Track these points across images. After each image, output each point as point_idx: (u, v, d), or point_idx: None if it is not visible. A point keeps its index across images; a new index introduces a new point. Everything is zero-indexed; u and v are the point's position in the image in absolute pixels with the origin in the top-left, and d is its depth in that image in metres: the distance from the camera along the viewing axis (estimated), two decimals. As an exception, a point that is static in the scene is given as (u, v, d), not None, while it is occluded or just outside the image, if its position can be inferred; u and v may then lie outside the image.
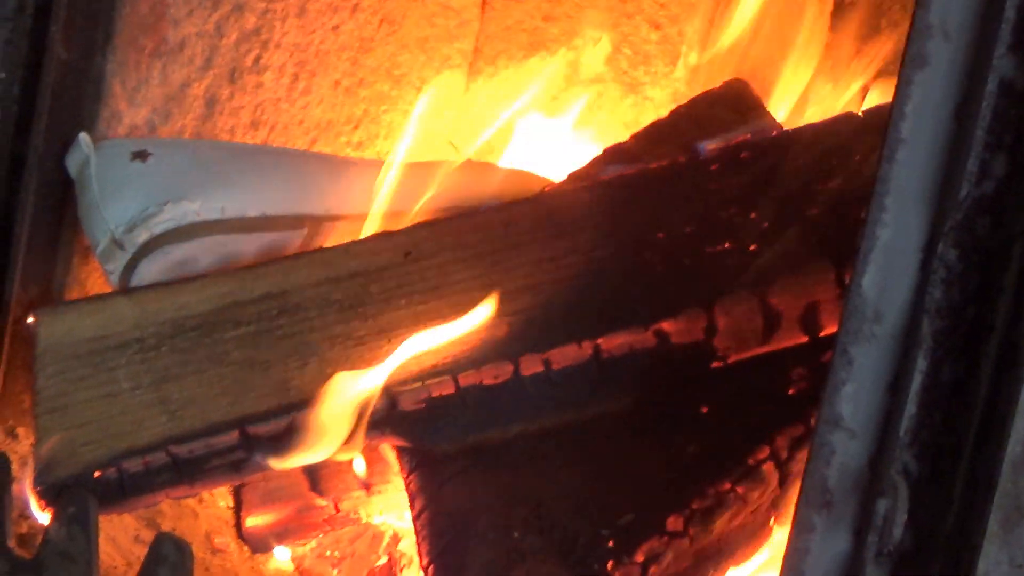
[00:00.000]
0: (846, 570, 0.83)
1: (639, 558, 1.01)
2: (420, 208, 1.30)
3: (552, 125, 1.59)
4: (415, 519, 1.07)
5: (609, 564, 1.01)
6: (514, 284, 1.16)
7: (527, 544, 1.03)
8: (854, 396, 0.82)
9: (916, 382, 0.81)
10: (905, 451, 0.81)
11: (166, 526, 1.29)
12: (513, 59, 1.65)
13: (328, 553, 1.25)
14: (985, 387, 0.80)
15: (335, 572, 1.24)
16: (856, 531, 0.82)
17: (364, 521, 1.24)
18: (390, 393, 1.08)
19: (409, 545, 1.21)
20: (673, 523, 1.03)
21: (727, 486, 1.04)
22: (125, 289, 1.22)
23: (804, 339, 1.12)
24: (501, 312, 1.13)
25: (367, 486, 1.21)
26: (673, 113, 1.38)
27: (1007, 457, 0.78)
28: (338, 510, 1.24)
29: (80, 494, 1.03)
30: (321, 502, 1.23)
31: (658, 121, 1.37)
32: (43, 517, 1.08)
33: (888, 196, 0.82)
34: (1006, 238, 0.80)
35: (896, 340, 0.82)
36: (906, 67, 0.81)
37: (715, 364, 1.11)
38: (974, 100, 0.80)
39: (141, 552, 1.08)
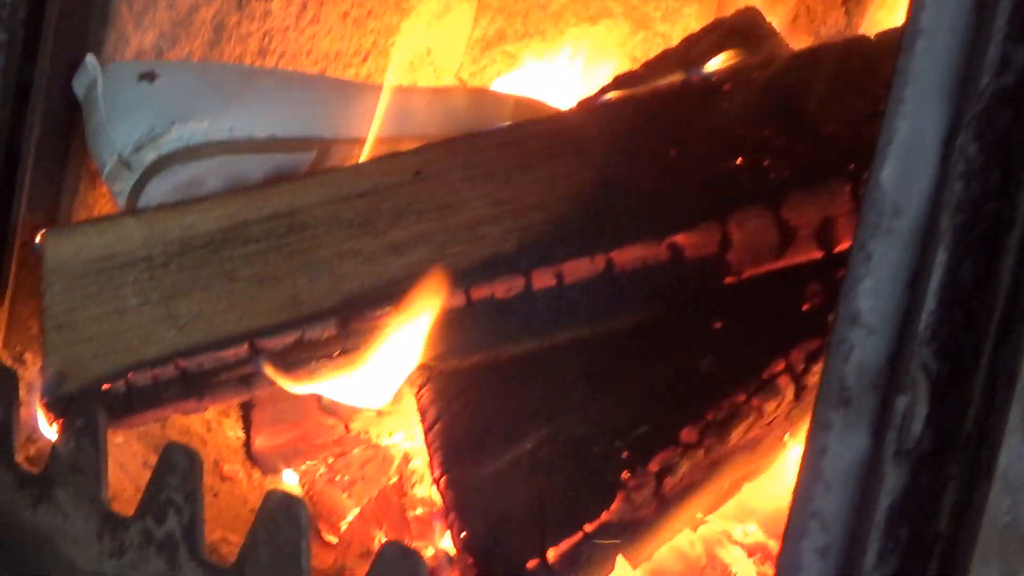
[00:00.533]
0: (865, 469, 0.81)
1: (653, 468, 1.00)
2: (430, 132, 1.28)
3: (560, 60, 1.58)
4: (426, 432, 1.06)
5: (624, 474, 0.99)
6: (525, 201, 1.14)
7: (541, 455, 1.02)
8: (873, 292, 0.81)
9: (936, 278, 0.79)
10: (925, 348, 0.80)
11: (174, 452, 1.28)
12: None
13: (338, 478, 1.24)
14: (1006, 283, 0.79)
15: (345, 496, 1.22)
16: (875, 429, 0.81)
17: (374, 442, 1.23)
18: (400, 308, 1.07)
19: (420, 464, 1.20)
20: (687, 434, 1.01)
21: (742, 398, 1.03)
22: (133, 209, 1.22)
23: (819, 254, 1.10)
24: (512, 227, 1.12)
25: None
26: (684, 41, 1.37)
27: (1028, 350, 0.77)
28: (348, 431, 1.23)
29: (89, 406, 1.02)
30: (331, 422, 1.23)
31: (669, 49, 1.36)
32: (51, 432, 1.07)
33: (907, 87, 0.80)
34: (1028, 132, 0.78)
35: (916, 235, 0.81)
36: (926, -42, 0.80)
37: (729, 279, 1.10)
38: (995, -11, 0.79)
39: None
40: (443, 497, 1.02)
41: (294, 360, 1.06)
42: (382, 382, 1.06)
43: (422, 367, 1.07)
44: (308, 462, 1.24)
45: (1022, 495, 0.77)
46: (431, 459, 1.05)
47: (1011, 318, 0.79)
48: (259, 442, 1.24)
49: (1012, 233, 0.79)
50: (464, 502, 1.00)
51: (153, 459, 1.21)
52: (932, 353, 0.80)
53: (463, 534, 0.99)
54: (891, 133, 0.81)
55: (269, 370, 1.05)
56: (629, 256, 1.08)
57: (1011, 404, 0.78)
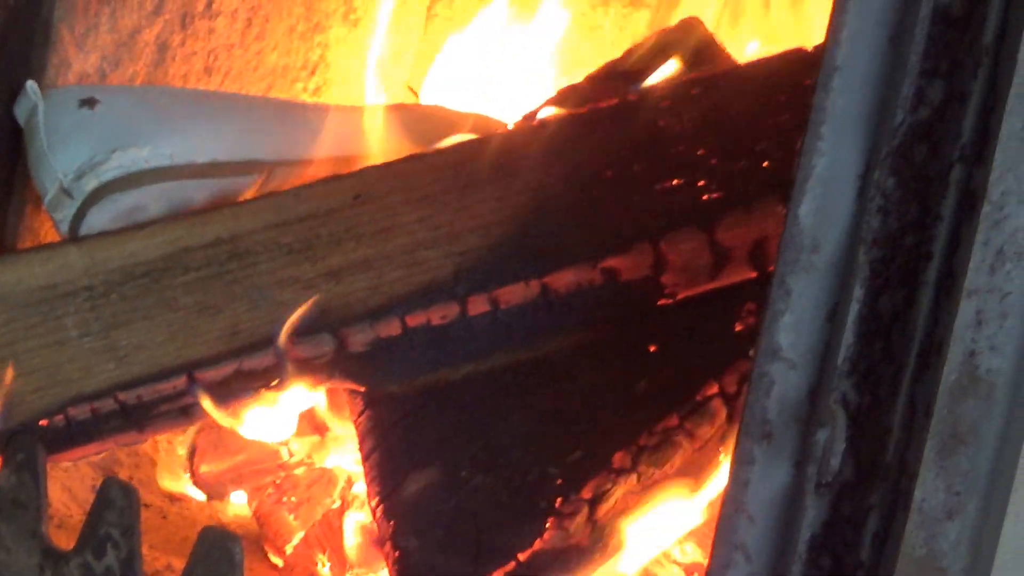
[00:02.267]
0: (787, 501, 0.83)
1: (587, 495, 1.01)
2: (372, 152, 1.29)
3: (506, 71, 1.59)
4: (364, 460, 1.07)
5: (557, 501, 1.01)
6: (462, 225, 1.15)
7: (476, 482, 1.03)
8: (793, 326, 0.82)
9: (854, 312, 0.81)
10: (844, 380, 0.81)
11: (123, 475, 1.30)
12: (470, 2, 1.64)
13: (285, 499, 1.25)
14: (923, 315, 0.80)
15: (291, 516, 1.24)
16: (796, 462, 0.82)
17: (318, 466, 1.25)
18: (338, 335, 1.08)
19: (362, 488, 1.21)
20: (621, 460, 1.02)
21: (675, 422, 1.04)
22: (74, 237, 1.22)
23: (753, 274, 1.11)
24: (449, 252, 1.13)
25: (321, 430, 1.21)
26: (627, 52, 1.37)
27: (943, 385, 0.78)
28: (291, 454, 1.24)
29: (28, 441, 1.03)
30: (274, 447, 1.23)
31: (612, 61, 1.37)
32: (-9, 466, 1.08)
33: (824, 124, 0.81)
34: (943, 165, 0.79)
35: (834, 269, 0.82)
36: (841, -6, 0.81)
37: (664, 301, 1.11)
38: (909, 26, 0.79)
39: (98, 501, 1.08)
40: (379, 525, 1.03)
41: (233, 390, 1.08)
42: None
43: (360, 394, 1.08)
44: (253, 486, 1.25)
45: (938, 528, 0.79)
46: (368, 486, 1.06)
47: (929, 350, 0.80)
48: (203, 469, 1.25)
49: (930, 265, 0.81)
50: (400, 530, 1.02)
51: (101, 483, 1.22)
52: (851, 385, 0.81)
53: (398, 564, 1.00)
54: (809, 169, 0.82)
55: (206, 403, 1.06)
56: (563, 281, 1.09)
57: (928, 438, 0.79)
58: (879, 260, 0.80)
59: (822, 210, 0.81)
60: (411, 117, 1.34)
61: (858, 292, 0.81)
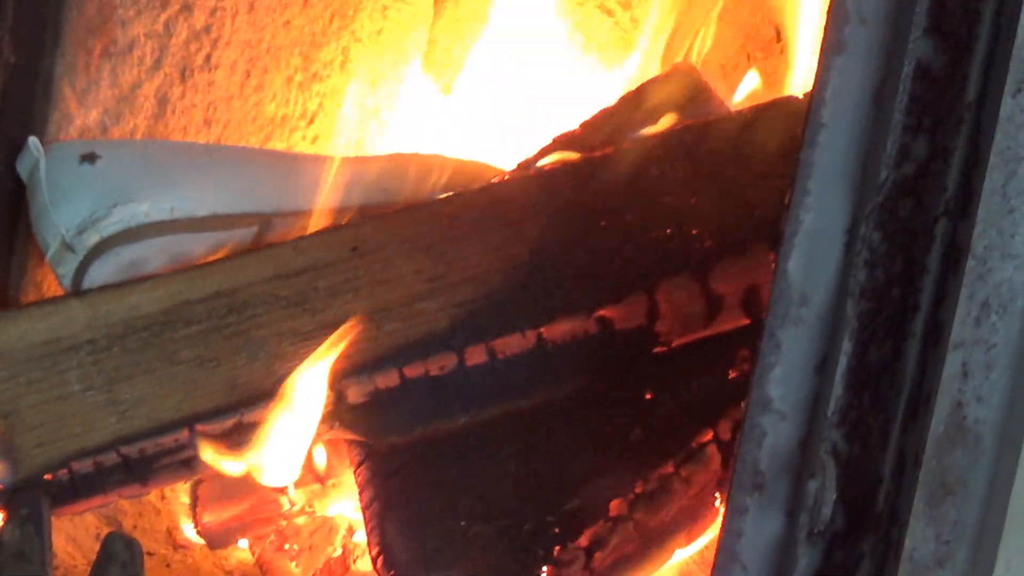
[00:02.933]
0: (780, 550, 0.84)
1: (583, 543, 1.02)
2: (370, 202, 1.31)
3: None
4: (364, 510, 1.08)
5: (555, 550, 1.02)
6: (459, 276, 1.17)
7: (473, 532, 1.04)
8: (783, 379, 0.83)
9: (843, 363, 0.82)
10: (834, 431, 0.82)
11: (127, 524, 1.31)
12: (467, 50, 1.66)
13: (287, 546, 1.26)
14: (911, 367, 0.82)
15: (293, 564, 1.25)
16: (788, 512, 0.84)
17: (319, 514, 1.26)
18: (337, 386, 1.10)
19: (363, 536, 1.22)
20: (617, 507, 1.04)
21: (671, 469, 1.06)
22: (77, 292, 1.23)
23: (746, 322, 1.13)
24: (446, 303, 1.15)
25: (322, 479, 1.22)
26: (621, 100, 1.39)
27: (931, 435, 0.79)
28: (292, 503, 1.25)
29: (33, 496, 1.05)
30: (276, 495, 1.25)
31: (606, 109, 1.38)
32: (-4, 520, 1.09)
33: (811, 180, 0.83)
34: (929, 219, 0.81)
35: (823, 322, 0.83)
36: (825, 53, 0.83)
37: (658, 349, 1.12)
38: (892, 84, 0.81)
39: (102, 551, 1.09)
40: (379, 574, 1.04)
41: (234, 442, 1.09)
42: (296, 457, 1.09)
43: (359, 444, 1.10)
44: (256, 535, 1.26)
45: (928, 577, 0.80)
46: (368, 537, 1.07)
47: (917, 400, 0.81)
48: (207, 519, 1.26)
49: (917, 317, 0.82)
50: (400, 580, 1.03)
51: (105, 532, 1.24)
52: (841, 436, 0.83)
53: (399, 614, 1.02)
54: (796, 224, 0.84)
55: (207, 455, 1.07)
56: (559, 331, 1.11)
57: (917, 487, 0.80)
58: (867, 313, 0.82)
59: (810, 264, 0.83)
60: (409, 167, 1.35)
61: (846, 344, 0.82)
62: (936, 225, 0.81)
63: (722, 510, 1.08)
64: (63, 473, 1.08)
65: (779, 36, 1.50)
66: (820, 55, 0.82)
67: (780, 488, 0.84)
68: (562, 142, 1.35)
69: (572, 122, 1.39)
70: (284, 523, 1.26)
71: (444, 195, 1.27)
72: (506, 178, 1.30)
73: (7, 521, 1.06)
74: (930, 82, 0.81)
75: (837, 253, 0.83)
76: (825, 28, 0.82)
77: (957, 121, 0.80)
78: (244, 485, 1.25)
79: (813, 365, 0.83)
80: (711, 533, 1.08)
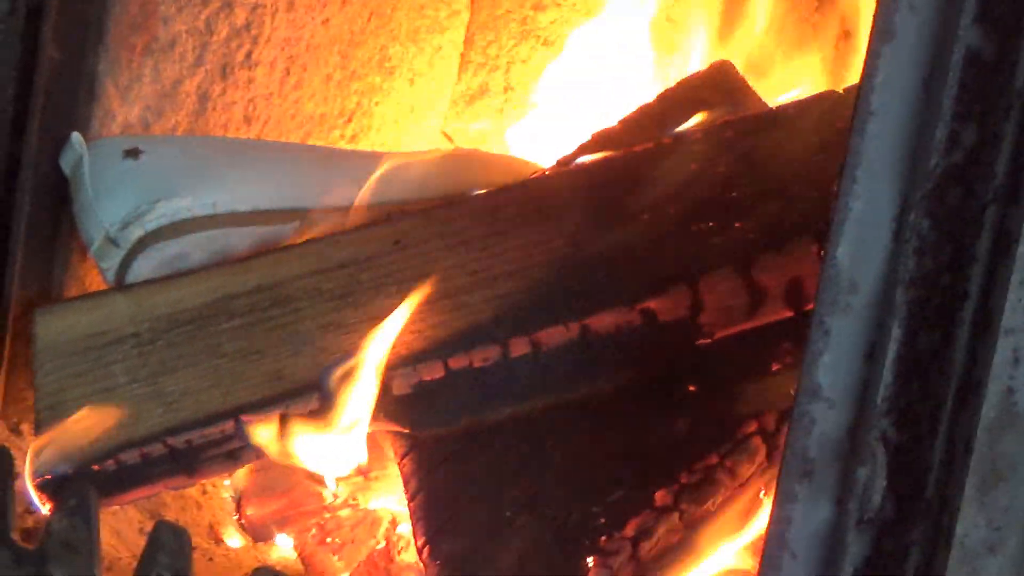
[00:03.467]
0: (829, 538, 0.84)
1: (629, 533, 1.02)
2: (411, 198, 1.31)
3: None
4: (410, 501, 1.09)
5: (600, 540, 1.02)
6: (501, 269, 1.17)
7: (519, 522, 1.05)
8: (832, 366, 0.83)
9: (892, 351, 0.82)
10: (883, 419, 0.82)
11: (169, 517, 1.31)
12: (503, 48, 1.66)
13: (329, 540, 1.26)
14: (961, 354, 0.82)
15: (336, 558, 1.25)
16: (838, 499, 0.84)
17: (362, 507, 1.26)
18: (382, 378, 1.10)
19: (407, 529, 1.22)
20: (662, 498, 1.04)
21: (715, 460, 1.06)
22: (120, 286, 1.25)
23: (789, 313, 1.13)
24: (489, 296, 1.15)
25: (364, 472, 1.22)
26: (660, 97, 1.39)
27: (982, 422, 0.79)
28: (335, 496, 1.26)
29: (80, 486, 1.05)
30: (318, 489, 1.25)
31: (645, 105, 1.39)
32: (44, 510, 1.10)
33: (859, 168, 0.83)
34: (978, 207, 0.81)
35: (872, 310, 0.83)
36: (874, 40, 0.82)
37: (701, 341, 1.13)
38: (942, 71, 0.81)
39: (145, 544, 1.10)
40: (426, 566, 1.04)
41: (279, 433, 1.09)
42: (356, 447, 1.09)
43: (403, 436, 1.10)
44: (298, 529, 1.27)
45: (979, 563, 0.80)
46: (414, 528, 1.07)
47: (967, 388, 0.81)
48: (249, 511, 1.27)
49: (966, 305, 0.82)
50: (446, 570, 1.03)
51: (148, 526, 1.24)
52: (891, 424, 0.83)
53: (445, 603, 1.02)
54: (845, 212, 0.84)
55: (259, 437, 1.08)
56: (602, 322, 1.11)
57: (968, 473, 0.80)
58: (916, 300, 0.82)
59: (859, 252, 0.83)
60: (448, 163, 1.36)
61: (896, 332, 0.82)
62: (985, 212, 0.81)
63: (767, 501, 1.08)
64: (110, 464, 1.09)
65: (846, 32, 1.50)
66: (869, 42, 0.82)
67: (829, 476, 0.84)
68: (601, 139, 1.36)
69: (611, 120, 1.40)
70: (327, 516, 1.26)
71: (485, 191, 1.28)
72: (546, 174, 1.30)
73: (55, 511, 1.06)
74: (980, 69, 0.81)
75: (886, 241, 0.83)
76: (874, 15, 0.82)
77: (1006, 108, 0.80)
78: (287, 479, 1.26)
79: (862, 353, 0.83)
80: (756, 524, 1.08)
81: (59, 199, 1.31)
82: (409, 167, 1.34)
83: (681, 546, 1.04)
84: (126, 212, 1.25)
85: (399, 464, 1.11)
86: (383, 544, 1.23)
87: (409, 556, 1.20)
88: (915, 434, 0.82)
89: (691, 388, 1.11)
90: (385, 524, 1.25)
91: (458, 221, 1.23)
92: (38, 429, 1.12)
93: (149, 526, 1.26)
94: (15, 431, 1.33)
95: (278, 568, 1.06)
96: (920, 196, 0.82)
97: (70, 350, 1.19)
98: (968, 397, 0.81)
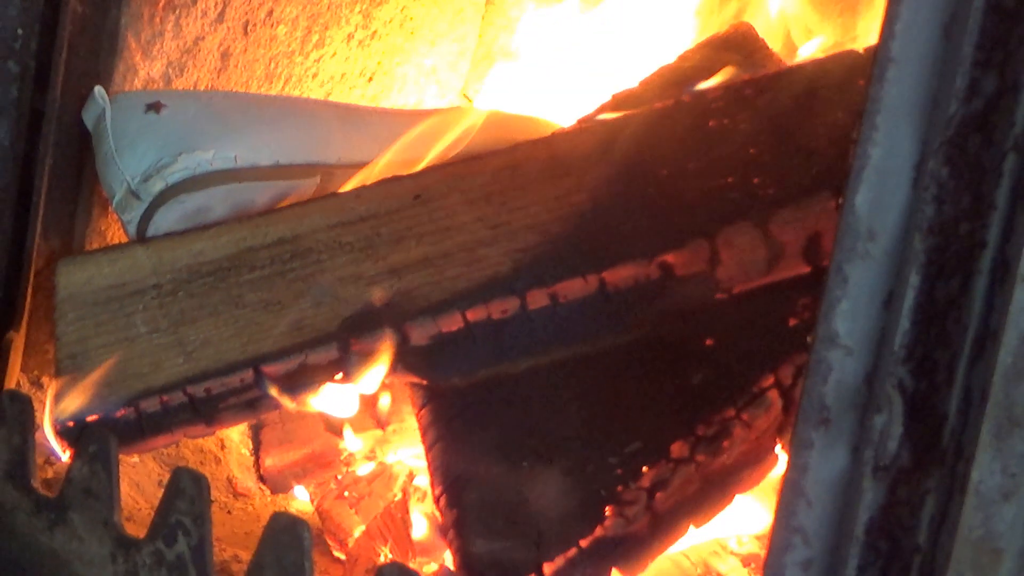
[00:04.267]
0: (845, 485, 0.84)
1: (645, 483, 1.03)
2: (431, 155, 1.31)
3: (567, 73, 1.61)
4: (427, 451, 1.09)
5: (617, 490, 1.02)
6: (520, 223, 1.17)
7: (536, 473, 1.05)
8: (850, 313, 0.83)
9: (910, 298, 0.82)
10: (900, 366, 0.82)
11: (189, 470, 1.32)
12: (524, 11, 1.66)
13: (347, 494, 1.27)
14: (978, 302, 0.82)
15: (353, 511, 1.26)
16: (854, 447, 0.84)
17: (379, 460, 1.27)
18: (401, 329, 1.10)
19: (424, 481, 1.23)
20: (679, 449, 1.04)
21: (732, 413, 1.06)
22: (142, 238, 1.25)
23: (807, 269, 1.13)
24: (508, 249, 1.15)
25: (383, 425, 1.23)
26: (680, 58, 1.39)
27: (998, 369, 0.79)
28: (354, 449, 1.26)
29: (100, 433, 1.06)
30: (337, 441, 1.26)
31: (665, 66, 1.39)
32: (64, 457, 1.11)
33: (879, 115, 0.83)
34: (997, 155, 0.81)
35: (890, 257, 0.83)
36: (894, -12, 0.83)
37: (719, 295, 1.12)
38: (963, 18, 0.81)
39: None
40: (442, 515, 1.05)
41: (298, 383, 1.10)
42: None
43: (422, 387, 1.11)
44: (317, 480, 1.28)
45: (994, 509, 0.80)
46: (431, 478, 1.08)
47: (984, 336, 0.81)
48: (268, 462, 1.27)
49: (984, 253, 0.82)
50: (463, 519, 1.04)
51: (167, 478, 1.25)
52: (908, 371, 0.83)
53: (461, 551, 1.02)
54: (864, 159, 0.84)
55: (274, 392, 1.08)
56: (621, 275, 1.11)
57: (984, 420, 0.80)
58: (934, 248, 0.82)
59: (878, 199, 0.83)
60: (468, 121, 1.36)
61: (914, 279, 0.82)
62: (1005, 160, 0.81)
63: (783, 454, 1.09)
64: (130, 412, 1.09)
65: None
66: (889, -10, 0.82)
67: (846, 423, 0.84)
68: (621, 99, 1.36)
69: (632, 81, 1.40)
70: (344, 470, 1.27)
71: (506, 147, 1.28)
72: (566, 131, 1.30)
73: (75, 458, 1.07)
74: (1001, 16, 0.80)
75: (905, 188, 0.82)
76: (895, -37, 0.82)
77: (1028, 56, 0.80)
78: (305, 431, 1.27)
79: (880, 300, 0.83)
80: (771, 478, 1.08)
81: (81, 153, 1.32)
82: (432, 124, 1.34)
83: (697, 497, 1.05)
84: (148, 165, 1.25)
85: (417, 415, 1.12)
86: (399, 497, 1.24)
87: (426, 507, 1.21)
88: (932, 382, 0.82)
89: (708, 342, 1.11)
90: (402, 478, 1.26)
91: (479, 176, 1.23)
92: (59, 377, 1.13)
93: (168, 478, 1.27)
94: (36, 384, 1.33)
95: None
96: (939, 143, 0.81)
97: (91, 300, 1.19)
98: (985, 344, 0.81)
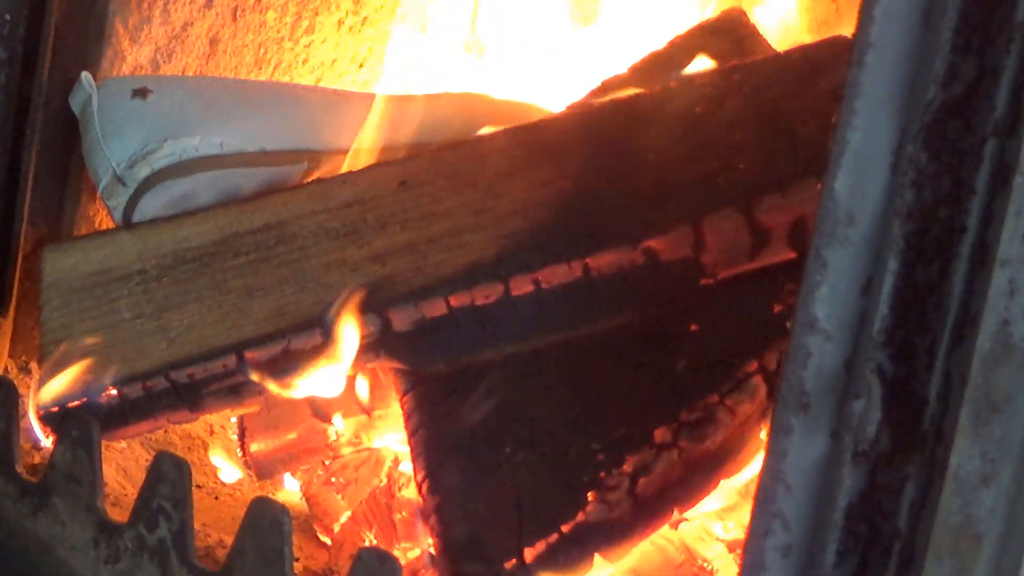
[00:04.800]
0: (824, 470, 0.84)
1: (627, 469, 1.02)
2: (417, 140, 1.31)
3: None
4: (410, 437, 1.09)
5: (599, 476, 1.02)
6: (506, 209, 1.17)
7: (519, 458, 1.05)
8: (829, 298, 0.83)
9: (889, 283, 0.82)
10: (879, 351, 0.82)
11: (176, 457, 1.32)
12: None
13: (333, 480, 1.27)
14: (958, 287, 0.81)
15: (339, 497, 1.26)
16: (833, 432, 0.83)
17: (365, 445, 1.27)
18: (384, 315, 1.10)
19: (408, 467, 1.23)
20: (662, 435, 1.04)
21: (716, 399, 1.05)
22: (128, 224, 1.25)
23: (792, 255, 1.12)
24: (493, 235, 1.15)
25: (368, 411, 1.22)
26: (670, 44, 1.39)
27: (977, 353, 0.79)
28: (340, 435, 1.26)
29: (83, 418, 1.06)
30: (323, 427, 1.26)
31: (655, 52, 1.38)
32: (47, 442, 1.11)
33: (858, 99, 0.83)
34: (976, 140, 0.80)
35: (869, 242, 0.83)
36: (873, -29, 0.82)
37: (704, 281, 1.12)
38: (941, 3, 0.81)
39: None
40: (424, 500, 1.05)
41: (281, 368, 1.10)
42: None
43: (405, 373, 1.11)
44: (303, 466, 1.28)
45: (973, 495, 0.80)
46: (414, 463, 1.08)
47: (963, 321, 0.81)
48: (254, 447, 1.27)
49: (964, 238, 0.82)
50: (444, 504, 1.04)
51: (154, 464, 1.25)
52: (887, 356, 0.82)
53: (442, 536, 1.02)
54: (843, 144, 0.84)
55: (256, 377, 1.08)
56: (605, 261, 1.11)
57: (963, 405, 0.80)
58: (914, 233, 0.81)
59: (857, 184, 0.82)
60: (456, 106, 1.36)
61: (893, 264, 0.82)
62: (984, 146, 0.80)
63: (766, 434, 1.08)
64: (113, 397, 1.09)
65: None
66: (868, -27, 0.82)
67: (825, 408, 0.83)
68: (612, 85, 1.35)
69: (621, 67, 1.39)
70: (331, 456, 1.27)
71: (491, 132, 1.28)
72: (552, 116, 1.30)
73: (58, 443, 1.07)
74: (980, 1, 0.80)
75: (884, 173, 0.82)
76: (874, -55, 0.82)
77: (1007, 41, 0.80)
78: (290, 416, 1.27)
79: (859, 285, 0.83)
80: (756, 464, 1.08)
81: (69, 139, 1.32)
82: (417, 109, 1.34)
83: (680, 483, 1.05)
84: (134, 151, 1.25)
85: (400, 401, 1.11)
86: (384, 482, 1.24)
87: (409, 492, 1.21)
88: (911, 367, 0.82)
89: (692, 327, 1.11)
90: (388, 464, 1.26)
91: (464, 162, 1.23)
92: (42, 363, 1.13)
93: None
94: (24, 370, 1.34)
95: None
96: (918, 129, 0.81)
97: (76, 286, 1.19)
98: (964, 329, 0.80)
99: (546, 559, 1.01)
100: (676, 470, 1.04)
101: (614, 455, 1.03)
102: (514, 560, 1.00)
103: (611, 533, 1.02)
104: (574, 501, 1.02)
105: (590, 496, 1.02)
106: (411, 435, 1.09)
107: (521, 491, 1.03)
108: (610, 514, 1.02)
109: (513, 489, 1.03)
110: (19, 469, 1.12)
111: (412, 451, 1.08)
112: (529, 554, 1.00)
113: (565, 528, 1.01)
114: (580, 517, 1.01)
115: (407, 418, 1.10)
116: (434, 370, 1.11)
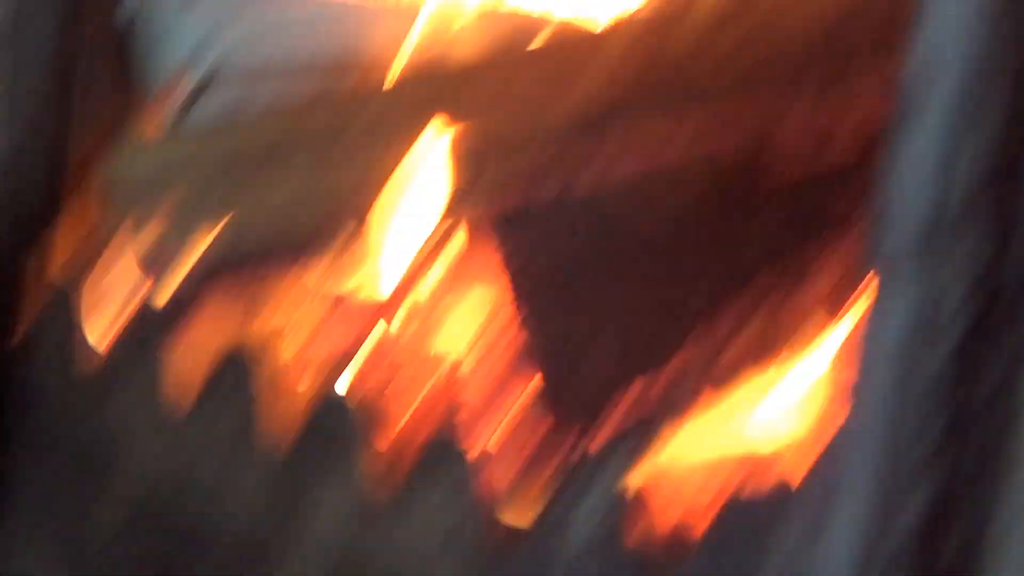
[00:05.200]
0: (912, 337, 0.83)
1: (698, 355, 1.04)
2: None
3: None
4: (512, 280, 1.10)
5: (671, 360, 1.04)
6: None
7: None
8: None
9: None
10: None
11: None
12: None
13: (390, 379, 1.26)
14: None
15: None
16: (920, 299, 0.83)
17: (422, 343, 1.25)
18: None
19: (468, 365, 1.21)
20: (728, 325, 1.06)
21: (783, 294, 1.07)
22: (178, 130, 1.26)
23: (858, 159, 1.13)
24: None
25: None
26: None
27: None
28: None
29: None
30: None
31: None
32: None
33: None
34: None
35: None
36: None
37: (767, 183, 1.13)
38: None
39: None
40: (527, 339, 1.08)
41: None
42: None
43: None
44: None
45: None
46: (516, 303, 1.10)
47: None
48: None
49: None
50: (548, 343, 1.07)
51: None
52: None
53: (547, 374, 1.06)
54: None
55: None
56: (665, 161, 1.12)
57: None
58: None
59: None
60: (499, 22, 1.35)
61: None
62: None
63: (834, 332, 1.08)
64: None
65: None
66: None
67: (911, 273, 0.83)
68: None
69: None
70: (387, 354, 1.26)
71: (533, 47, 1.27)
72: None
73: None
74: None
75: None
76: None
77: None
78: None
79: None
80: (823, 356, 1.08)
81: (120, 47, 1.31)
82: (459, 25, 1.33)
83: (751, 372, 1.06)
84: (183, 60, 1.26)
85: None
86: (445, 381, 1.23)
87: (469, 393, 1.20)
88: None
89: (757, 228, 1.11)
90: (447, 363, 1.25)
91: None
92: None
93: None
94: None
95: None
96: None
97: (130, 193, 1.21)
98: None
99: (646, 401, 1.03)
100: (747, 358, 1.05)
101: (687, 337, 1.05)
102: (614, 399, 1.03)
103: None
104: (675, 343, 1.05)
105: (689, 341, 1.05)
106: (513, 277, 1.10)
107: (623, 333, 1.06)
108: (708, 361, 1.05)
109: (615, 330, 1.06)
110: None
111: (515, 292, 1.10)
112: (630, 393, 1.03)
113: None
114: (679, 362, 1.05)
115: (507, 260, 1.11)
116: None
